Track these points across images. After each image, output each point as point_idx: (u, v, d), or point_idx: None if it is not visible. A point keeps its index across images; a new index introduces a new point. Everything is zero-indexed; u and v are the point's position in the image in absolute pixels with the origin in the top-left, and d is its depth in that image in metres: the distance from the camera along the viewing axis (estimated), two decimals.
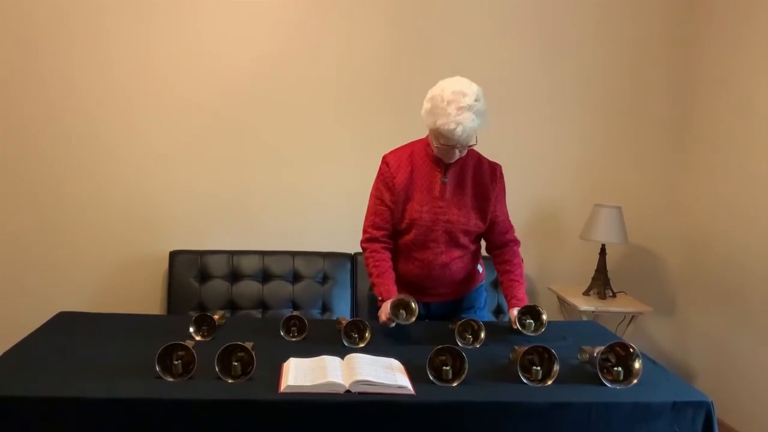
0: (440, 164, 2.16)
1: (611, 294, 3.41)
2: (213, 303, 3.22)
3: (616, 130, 3.60)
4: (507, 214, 2.30)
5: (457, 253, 2.20)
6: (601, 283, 3.40)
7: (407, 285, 2.23)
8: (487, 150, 2.32)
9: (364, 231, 2.25)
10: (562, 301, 3.52)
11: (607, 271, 3.41)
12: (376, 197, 2.22)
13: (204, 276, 3.27)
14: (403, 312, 2.01)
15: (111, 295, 3.30)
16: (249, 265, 3.31)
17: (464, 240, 2.20)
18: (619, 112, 3.59)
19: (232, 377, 1.63)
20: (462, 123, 1.98)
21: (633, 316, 3.41)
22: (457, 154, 2.11)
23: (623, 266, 3.64)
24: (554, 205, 3.61)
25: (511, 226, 2.31)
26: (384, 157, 2.23)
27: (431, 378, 1.67)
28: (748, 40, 3.19)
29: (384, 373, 1.66)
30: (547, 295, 3.62)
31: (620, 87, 3.57)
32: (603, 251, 3.41)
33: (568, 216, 3.59)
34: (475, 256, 2.31)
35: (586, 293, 3.43)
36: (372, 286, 2.21)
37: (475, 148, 2.16)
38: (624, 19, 3.52)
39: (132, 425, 1.52)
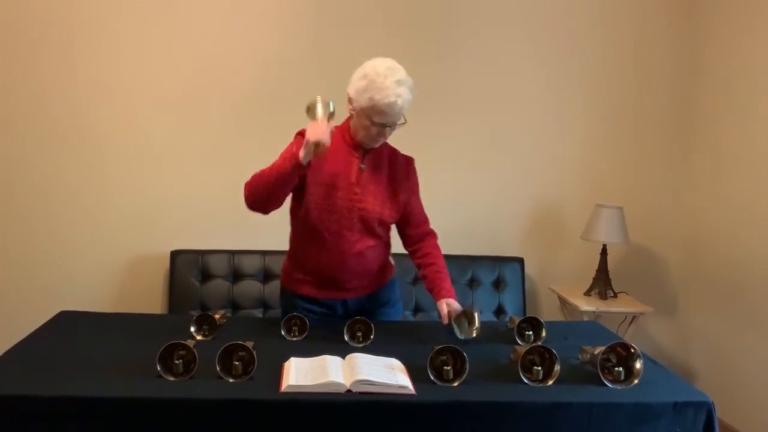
0: (358, 150, 2.13)
1: (612, 294, 3.41)
2: (214, 302, 3.22)
3: (617, 130, 3.60)
4: (422, 206, 2.27)
5: (371, 242, 2.15)
6: (602, 283, 3.39)
7: (322, 280, 2.19)
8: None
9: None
10: (563, 301, 3.52)
11: (608, 271, 3.41)
12: (280, 158, 2.07)
13: (205, 275, 3.27)
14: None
15: (112, 295, 3.30)
16: (250, 264, 3.31)
17: (378, 229, 2.15)
18: (620, 112, 3.59)
19: (233, 377, 1.63)
20: (401, 96, 1.97)
21: (634, 317, 3.41)
22: (387, 135, 2.09)
23: (624, 267, 3.64)
24: (555, 205, 3.61)
25: (427, 219, 2.29)
26: (298, 132, 2.11)
27: (432, 378, 1.67)
28: (751, 40, 3.19)
29: (385, 373, 1.66)
30: (548, 296, 3.62)
31: (622, 87, 3.57)
32: (604, 251, 3.41)
33: (569, 216, 3.59)
34: (387, 247, 2.27)
35: (587, 293, 3.43)
36: (280, 167, 2.00)
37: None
38: (625, 19, 3.52)
39: (133, 425, 1.52)
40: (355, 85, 2.02)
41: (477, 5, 3.42)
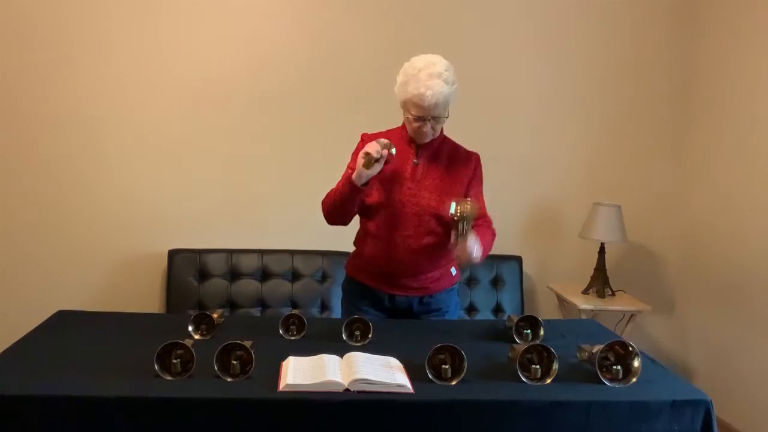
0: (412, 146, 2.18)
1: (610, 293, 3.41)
2: (212, 301, 3.22)
3: (615, 128, 3.60)
4: (483, 203, 2.25)
5: (427, 239, 2.16)
6: (600, 281, 3.40)
7: (374, 273, 2.23)
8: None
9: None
10: (561, 299, 3.53)
11: (606, 269, 3.41)
12: (348, 167, 2.22)
13: (203, 274, 3.27)
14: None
15: (110, 294, 3.30)
16: (248, 263, 3.31)
17: (435, 226, 2.16)
18: (618, 111, 3.59)
19: (231, 376, 1.63)
20: (432, 88, 2.00)
21: (632, 315, 3.41)
22: (430, 131, 2.11)
23: (622, 265, 3.64)
24: (553, 204, 3.61)
25: (485, 213, 2.24)
26: (362, 135, 2.25)
27: (430, 377, 1.66)
28: (748, 39, 3.19)
29: (383, 372, 1.66)
30: (547, 294, 3.62)
31: (620, 86, 3.57)
32: (602, 250, 3.41)
33: (567, 214, 3.59)
34: (449, 254, 2.25)
35: (585, 292, 3.43)
36: (341, 190, 2.12)
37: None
38: (624, 18, 3.52)
39: (130, 424, 1.51)
40: (397, 80, 2.10)
41: (477, 4, 3.41)
